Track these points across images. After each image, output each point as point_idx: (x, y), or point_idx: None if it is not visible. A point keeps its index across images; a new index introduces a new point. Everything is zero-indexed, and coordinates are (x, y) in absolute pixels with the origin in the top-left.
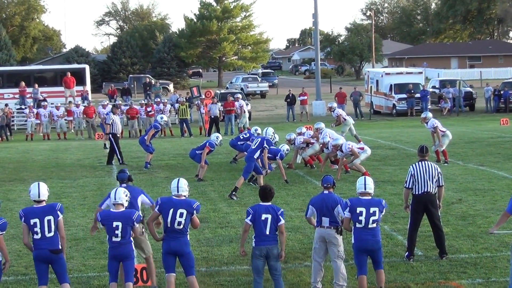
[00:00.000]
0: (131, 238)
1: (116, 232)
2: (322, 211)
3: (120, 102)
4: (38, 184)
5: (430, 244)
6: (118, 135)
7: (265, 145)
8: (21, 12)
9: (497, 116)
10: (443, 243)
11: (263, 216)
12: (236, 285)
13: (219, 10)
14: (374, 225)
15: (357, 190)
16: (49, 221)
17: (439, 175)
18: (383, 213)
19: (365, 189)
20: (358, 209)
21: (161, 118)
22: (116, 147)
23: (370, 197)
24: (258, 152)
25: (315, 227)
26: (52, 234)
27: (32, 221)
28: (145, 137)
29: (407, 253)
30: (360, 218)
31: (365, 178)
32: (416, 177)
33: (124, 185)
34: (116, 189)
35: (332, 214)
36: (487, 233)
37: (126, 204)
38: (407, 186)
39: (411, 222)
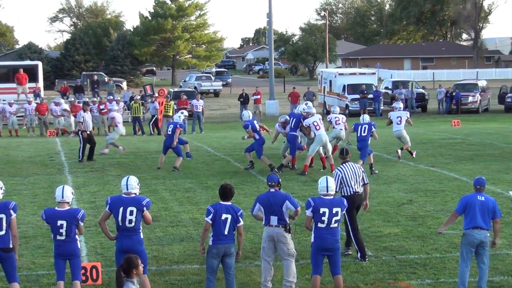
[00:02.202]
0: (77, 237)
1: (61, 230)
2: (270, 209)
3: (88, 100)
4: None
5: (380, 245)
6: (88, 132)
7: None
8: None
9: (448, 118)
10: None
11: (223, 216)
12: (187, 284)
13: (173, 9)
14: (336, 225)
15: (319, 191)
16: (0, 219)
17: (363, 174)
18: (344, 212)
19: (327, 191)
20: (322, 210)
21: (182, 113)
22: (82, 145)
23: (332, 197)
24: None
25: (264, 225)
26: (3, 232)
27: None
28: (173, 140)
29: (360, 256)
30: (323, 218)
31: (327, 179)
32: (344, 179)
33: None
34: (63, 187)
35: (281, 212)
36: (437, 233)
37: (71, 202)
38: (336, 190)
39: (352, 224)
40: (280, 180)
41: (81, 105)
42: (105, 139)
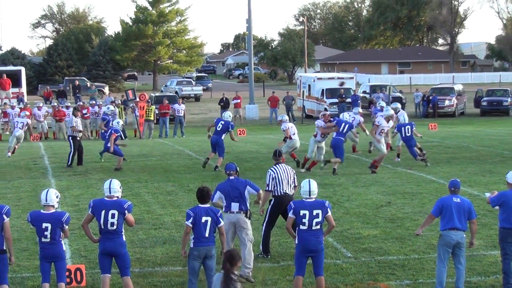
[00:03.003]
0: (61, 239)
1: (46, 233)
2: (230, 196)
3: (82, 104)
4: None
5: (359, 246)
6: (78, 138)
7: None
8: None
9: (425, 121)
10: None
11: (203, 219)
12: (169, 286)
13: (154, 15)
14: (318, 227)
15: (302, 194)
16: None
17: (295, 176)
18: (329, 213)
19: (309, 195)
20: (302, 212)
21: (118, 123)
22: (72, 150)
23: (313, 200)
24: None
25: (224, 212)
26: None
27: None
28: (108, 144)
29: (262, 249)
30: (303, 220)
31: (309, 182)
32: (276, 180)
33: None
34: (48, 191)
35: (243, 198)
36: (415, 235)
37: (57, 205)
38: (268, 189)
39: (269, 221)
40: (237, 168)
41: (64, 109)
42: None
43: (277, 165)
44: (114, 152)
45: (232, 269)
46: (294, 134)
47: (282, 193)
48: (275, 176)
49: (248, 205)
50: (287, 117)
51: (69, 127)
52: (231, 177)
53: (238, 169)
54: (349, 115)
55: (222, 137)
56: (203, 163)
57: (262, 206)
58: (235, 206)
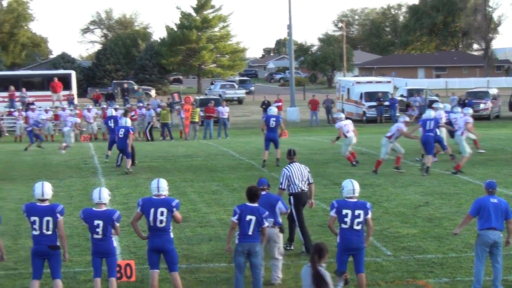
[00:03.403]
0: (112, 236)
1: (97, 230)
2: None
3: (131, 106)
4: (43, 183)
5: (398, 245)
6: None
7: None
8: (10, 20)
9: None
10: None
11: (248, 217)
12: (215, 282)
13: (198, 20)
14: (359, 226)
15: (344, 193)
16: (48, 221)
17: (309, 174)
18: (369, 215)
19: (353, 193)
20: (344, 211)
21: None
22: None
23: (356, 200)
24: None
25: None
26: (50, 232)
27: (32, 218)
28: (128, 141)
29: (305, 249)
30: (345, 219)
31: (352, 182)
32: (291, 178)
33: None
34: (100, 189)
35: (274, 214)
36: (453, 234)
37: (107, 203)
38: (282, 187)
39: (300, 219)
40: (269, 183)
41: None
42: None
43: (291, 164)
44: (127, 153)
45: (320, 261)
46: (348, 132)
47: (298, 190)
48: (289, 175)
49: (280, 219)
50: (343, 115)
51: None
52: (263, 192)
53: (269, 184)
54: (460, 116)
55: (277, 132)
56: (261, 165)
57: None
58: (270, 221)
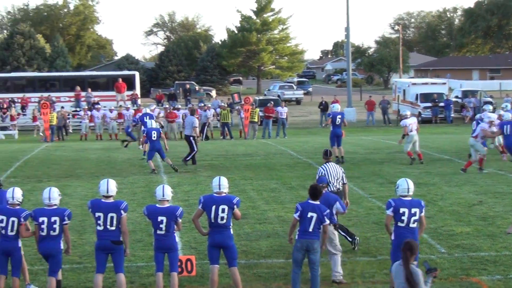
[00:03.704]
0: (174, 232)
1: (161, 226)
2: None
3: (193, 105)
4: (108, 180)
5: (452, 243)
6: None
7: None
8: (77, 23)
9: None
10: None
11: (309, 214)
12: (273, 277)
13: (258, 23)
14: (415, 224)
15: (399, 192)
16: (112, 217)
17: (343, 174)
18: (423, 213)
19: (408, 192)
20: (401, 210)
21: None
22: (196, 149)
23: (411, 198)
24: None
25: None
26: (114, 228)
27: (97, 214)
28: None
29: (349, 239)
30: (402, 218)
31: (407, 181)
32: (326, 177)
33: None
34: (163, 186)
35: (331, 211)
36: (506, 233)
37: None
38: None
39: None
40: (328, 182)
41: (175, 112)
42: None
43: (327, 164)
44: (161, 152)
45: (412, 258)
46: (411, 131)
47: (335, 189)
48: (324, 174)
49: (336, 218)
50: (409, 113)
51: (192, 128)
52: (323, 191)
53: (328, 182)
54: None
55: (342, 128)
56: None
57: None
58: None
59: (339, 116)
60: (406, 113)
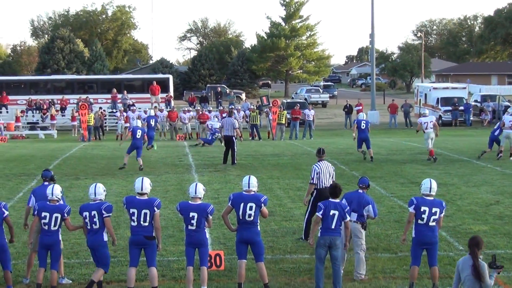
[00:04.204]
0: (205, 228)
1: (192, 221)
2: (352, 206)
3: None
4: (142, 179)
5: None
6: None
7: None
8: (114, 28)
9: None
10: None
11: (332, 212)
12: (298, 272)
13: (287, 30)
14: (434, 223)
15: (422, 191)
16: (145, 214)
17: (334, 172)
18: (443, 214)
19: (430, 191)
20: (422, 208)
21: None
22: (235, 148)
23: (433, 198)
24: None
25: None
26: (147, 224)
27: (131, 210)
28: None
29: (302, 236)
30: (423, 216)
31: (430, 181)
32: (319, 174)
33: (46, 183)
34: (196, 184)
35: (361, 211)
36: None
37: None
38: (312, 182)
39: (311, 210)
40: (369, 184)
41: (207, 113)
42: None
43: (320, 162)
44: (140, 153)
45: (479, 253)
46: (426, 128)
47: (324, 186)
48: (319, 171)
49: (365, 218)
50: (427, 111)
51: (232, 129)
52: (360, 191)
53: (369, 185)
54: None
55: (367, 133)
56: (369, 159)
57: (306, 197)
58: (354, 215)
59: (364, 122)
60: (425, 112)
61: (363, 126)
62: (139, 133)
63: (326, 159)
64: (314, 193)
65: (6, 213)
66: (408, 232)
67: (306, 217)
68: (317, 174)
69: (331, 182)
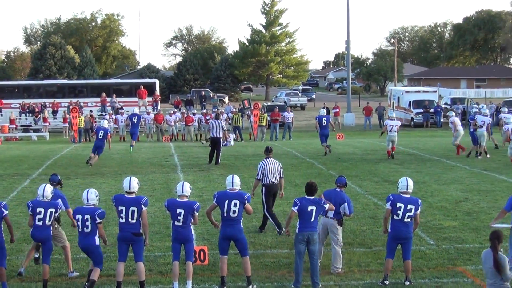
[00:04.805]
0: (191, 224)
1: (179, 218)
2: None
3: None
4: (130, 178)
5: (440, 235)
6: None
7: None
8: (104, 35)
9: (498, 129)
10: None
11: (309, 208)
12: (278, 266)
13: (267, 36)
14: (409, 220)
15: (399, 189)
16: (133, 211)
17: (281, 169)
18: (418, 211)
19: (406, 189)
20: (398, 204)
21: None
22: (221, 149)
23: (409, 196)
24: None
25: (321, 215)
26: (134, 221)
27: (119, 208)
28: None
29: (277, 228)
30: (398, 212)
31: (407, 179)
32: (265, 171)
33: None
34: (183, 183)
35: (337, 208)
36: (489, 226)
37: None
38: (258, 178)
39: (268, 205)
40: (346, 182)
41: (191, 115)
42: None
43: (267, 159)
44: (101, 152)
45: (499, 246)
46: (390, 131)
47: (270, 182)
48: (264, 168)
49: (342, 215)
50: (394, 115)
51: (221, 130)
52: (338, 189)
53: (347, 183)
54: None
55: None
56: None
57: (253, 191)
58: (330, 212)
59: (325, 119)
60: (392, 115)
61: (324, 122)
62: (101, 134)
63: (308, 159)
64: (263, 189)
65: (6, 212)
66: (382, 228)
67: (268, 212)
68: (262, 170)
69: (277, 179)
